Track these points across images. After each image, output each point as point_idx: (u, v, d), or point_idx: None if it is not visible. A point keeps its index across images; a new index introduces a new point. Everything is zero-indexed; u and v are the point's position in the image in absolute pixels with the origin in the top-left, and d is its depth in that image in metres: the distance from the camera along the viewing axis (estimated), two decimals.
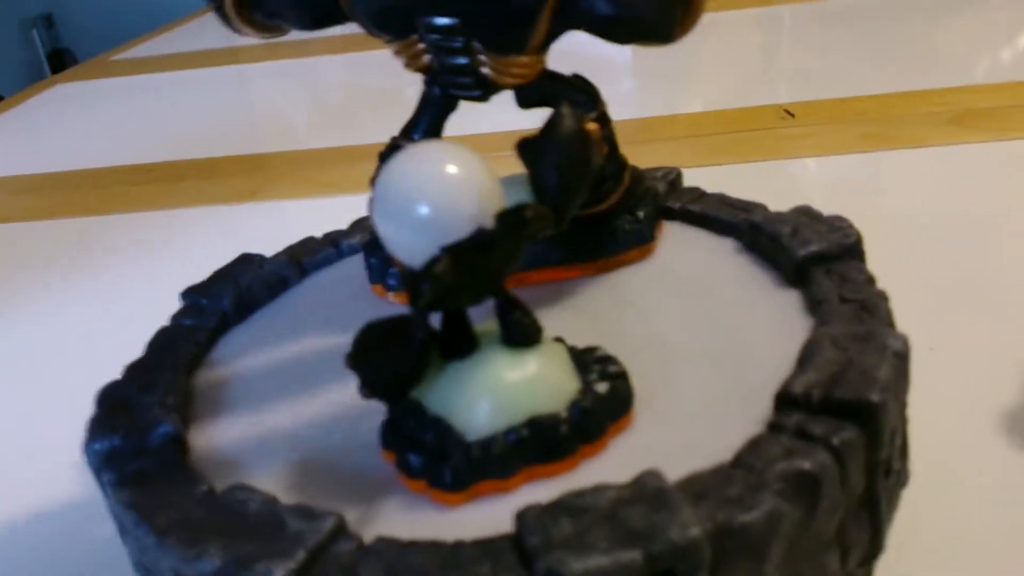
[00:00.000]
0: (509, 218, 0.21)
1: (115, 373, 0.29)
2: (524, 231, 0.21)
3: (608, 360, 0.24)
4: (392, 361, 0.22)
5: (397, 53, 0.29)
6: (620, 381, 0.24)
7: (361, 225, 0.36)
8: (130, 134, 0.82)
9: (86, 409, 0.29)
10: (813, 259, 0.28)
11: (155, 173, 0.69)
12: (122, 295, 0.51)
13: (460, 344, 0.23)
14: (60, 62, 2.47)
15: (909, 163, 0.48)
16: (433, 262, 0.20)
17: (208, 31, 1.23)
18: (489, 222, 0.21)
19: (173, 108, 0.89)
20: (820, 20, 0.81)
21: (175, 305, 0.33)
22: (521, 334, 0.23)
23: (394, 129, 0.31)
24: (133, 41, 1.21)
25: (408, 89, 0.30)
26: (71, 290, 0.53)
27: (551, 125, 0.22)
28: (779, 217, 0.31)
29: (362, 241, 0.35)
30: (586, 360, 0.24)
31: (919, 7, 0.81)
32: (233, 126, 0.81)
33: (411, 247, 0.21)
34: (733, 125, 0.54)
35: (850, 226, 0.29)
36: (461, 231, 0.21)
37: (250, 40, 0.32)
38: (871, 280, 0.27)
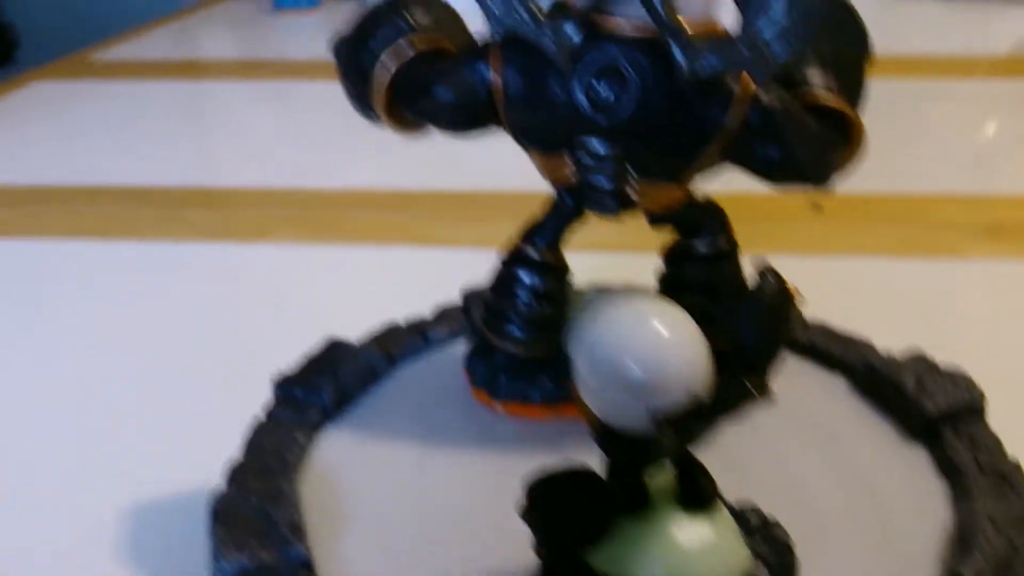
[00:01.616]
0: (730, 390, 0.20)
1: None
2: (741, 402, 0.21)
3: (771, 525, 0.24)
4: (576, 520, 0.21)
5: (540, 165, 0.28)
6: (787, 554, 0.23)
7: (446, 315, 0.35)
8: (117, 145, 0.79)
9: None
10: (942, 418, 0.28)
11: (153, 199, 0.66)
12: (127, 331, 0.47)
13: (633, 499, 0.22)
14: (1, 36, 2.37)
15: (947, 274, 0.47)
16: (661, 433, 0.20)
17: (186, 39, 1.19)
18: (702, 390, 0.20)
19: (165, 121, 0.85)
20: None
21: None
22: (698, 496, 0.22)
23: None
24: (113, 39, 1.15)
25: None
26: (73, 316, 0.49)
27: (754, 288, 0.22)
28: (897, 363, 0.31)
29: (450, 332, 0.34)
30: (747, 521, 0.23)
31: (945, 100, 0.79)
32: (234, 151, 0.78)
33: (615, 404, 0.21)
34: (758, 213, 0.52)
35: (973, 384, 0.29)
36: (673, 398, 0.20)
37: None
38: (999, 444, 0.28)
